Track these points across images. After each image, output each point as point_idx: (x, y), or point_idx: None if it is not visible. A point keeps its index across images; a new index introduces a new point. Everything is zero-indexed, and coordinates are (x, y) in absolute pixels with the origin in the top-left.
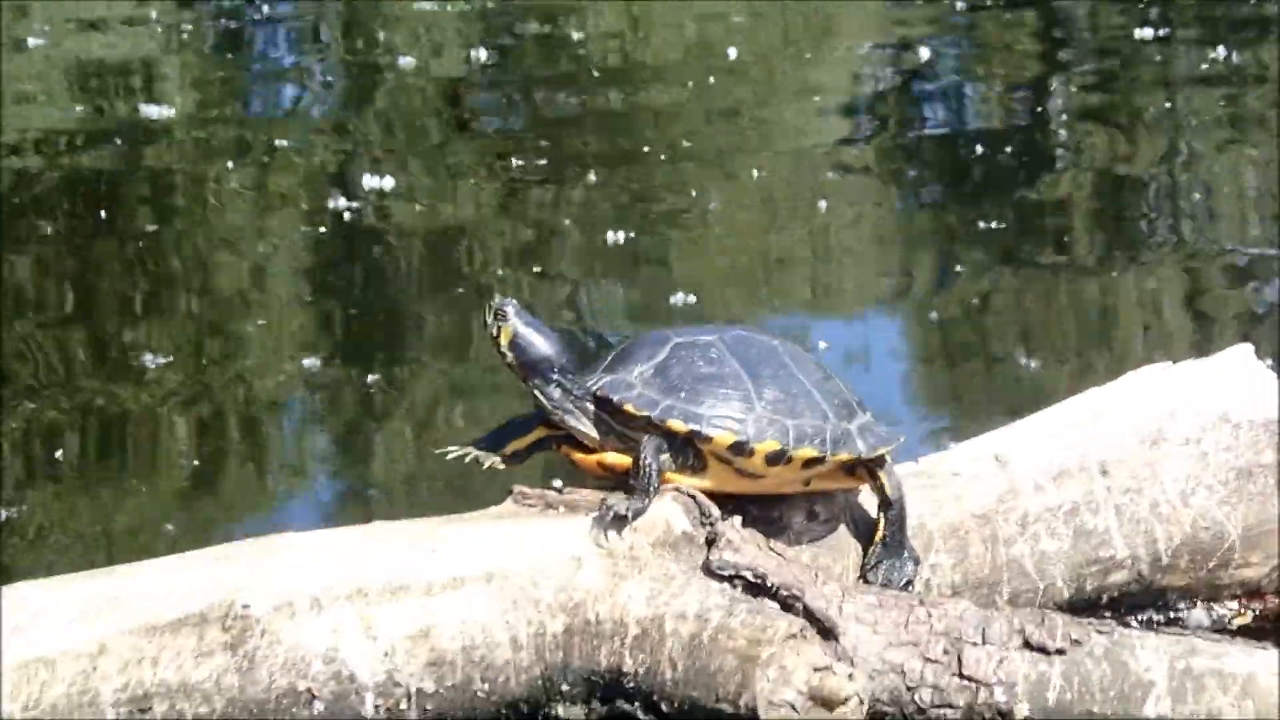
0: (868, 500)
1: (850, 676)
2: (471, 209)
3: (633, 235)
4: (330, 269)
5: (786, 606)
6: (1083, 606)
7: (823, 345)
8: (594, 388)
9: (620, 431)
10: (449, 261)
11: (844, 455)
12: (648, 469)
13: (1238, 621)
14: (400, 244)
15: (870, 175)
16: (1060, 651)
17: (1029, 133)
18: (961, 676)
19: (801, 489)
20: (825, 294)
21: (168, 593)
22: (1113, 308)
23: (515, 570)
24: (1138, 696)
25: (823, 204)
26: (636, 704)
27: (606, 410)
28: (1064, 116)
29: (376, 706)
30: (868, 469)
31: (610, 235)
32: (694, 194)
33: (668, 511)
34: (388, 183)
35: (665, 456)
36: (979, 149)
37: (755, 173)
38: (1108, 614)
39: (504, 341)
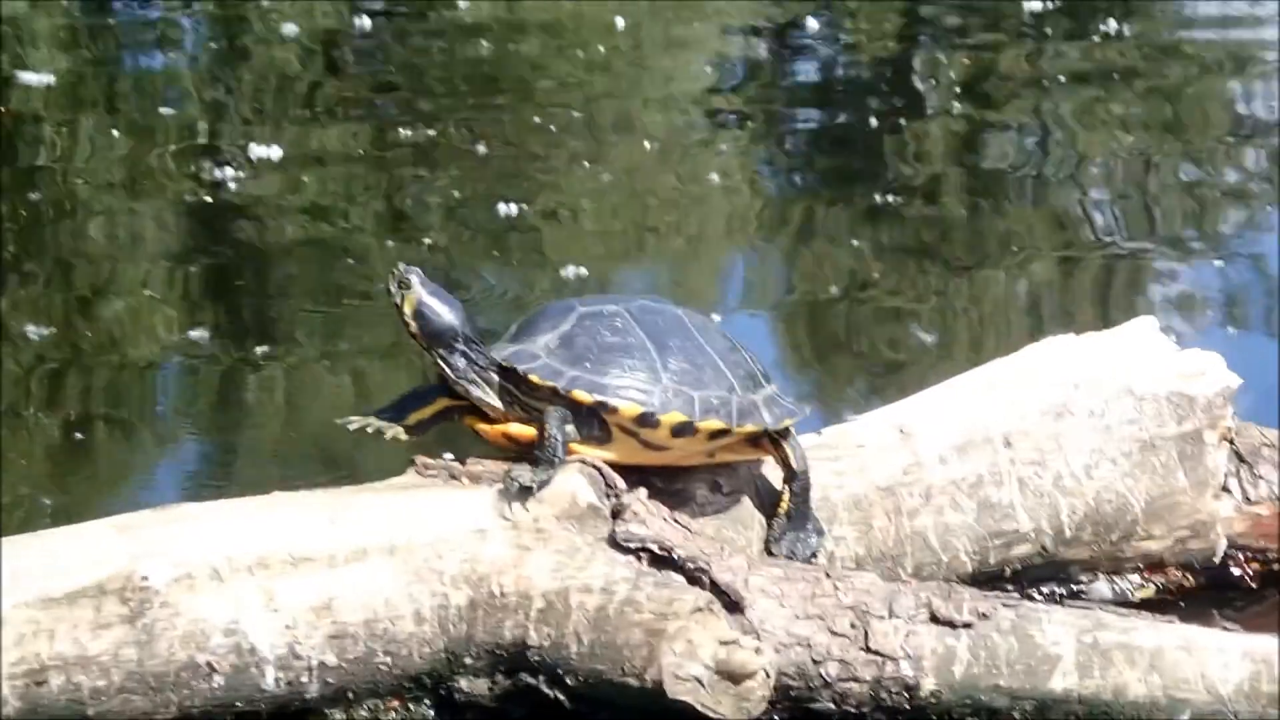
0: (771, 472)
1: (758, 650)
2: (354, 178)
3: (524, 207)
4: (211, 239)
5: (693, 580)
6: (986, 579)
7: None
8: (499, 358)
9: (525, 402)
10: (332, 234)
11: (750, 427)
12: (552, 440)
13: (1140, 594)
14: (282, 215)
15: (745, 148)
16: (967, 625)
17: (903, 105)
18: (868, 650)
19: (706, 461)
20: (703, 268)
21: (65, 564)
22: (981, 280)
23: (419, 542)
24: (1045, 670)
25: (714, 177)
26: (541, 678)
27: (511, 380)
28: (937, 88)
29: (277, 679)
30: (772, 440)
31: (502, 208)
32: (584, 165)
33: (573, 483)
34: (272, 152)
35: (570, 427)
36: (856, 122)
37: (645, 144)
38: (1010, 587)
39: (407, 310)
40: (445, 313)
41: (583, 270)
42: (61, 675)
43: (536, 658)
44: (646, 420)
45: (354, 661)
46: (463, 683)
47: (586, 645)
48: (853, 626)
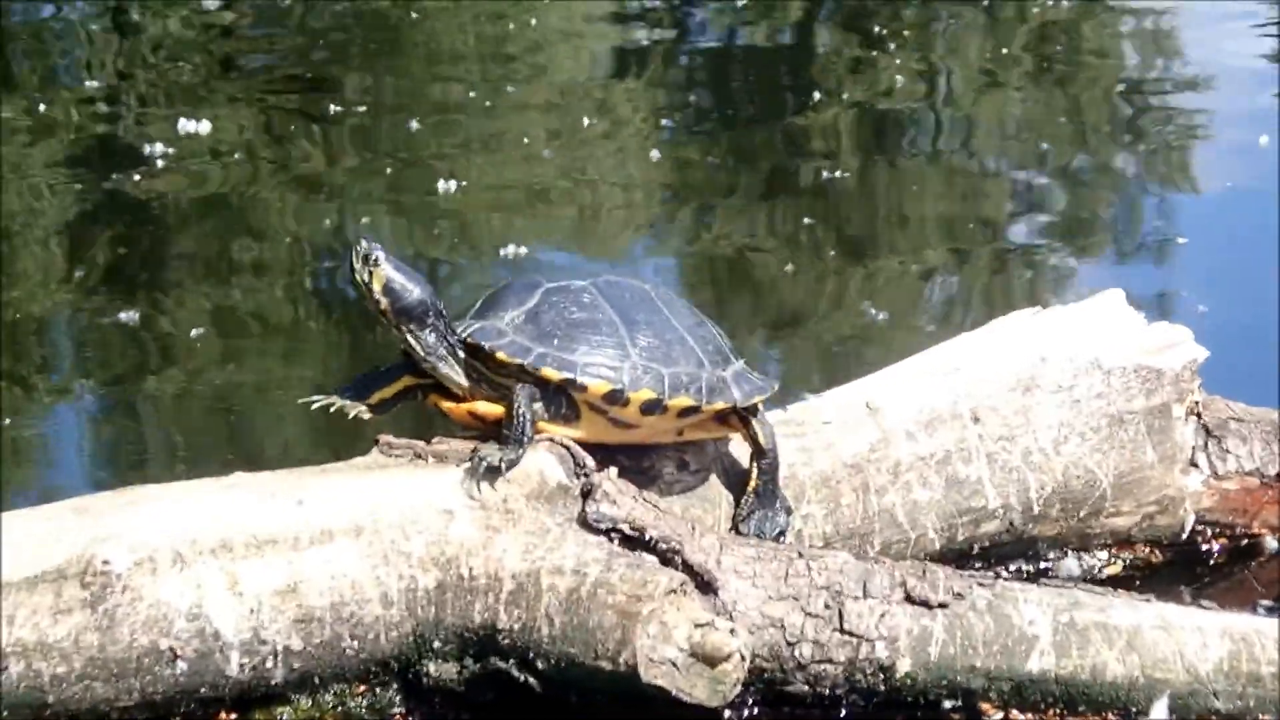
0: (737, 450)
1: (732, 632)
2: (269, 153)
3: (463, 184)
4: (125, 220)
5: (665, 560)
6: (954, 557)
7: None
8: (464, 334)
9: (491, 379)
10: (262, 212)
11: (719, 404)
12: (521, 418)
13: (1108, 571)
14: (209, 196)
15: (649, 112)
16: (943, 605)
17: (799, 66)
18: (843, 631)
19: (674, 438)
20: (599, 233)
21: (22, 547)
22: (872, 252)
23: (385, 523)
24: (1022, 650)
25: (655, 154)
26: (512, 661)
27: (477, 358)
28: (832, 50)
29: (241, 665)
30: (740, 417)
31: (442, 185)
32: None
33: (542, 462)
34: (202, 127)
35: (538, 405)
36: (752, 80)
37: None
38: (978, 564)
39: (376, 287)
40: (415, 288)
41: (521, 250)
42: (21, 662)
43: (507, 641)
44: (616, 397)
45: (320, 646)
46: (431, 667)
47: (558, 628)
48: (827, 607)
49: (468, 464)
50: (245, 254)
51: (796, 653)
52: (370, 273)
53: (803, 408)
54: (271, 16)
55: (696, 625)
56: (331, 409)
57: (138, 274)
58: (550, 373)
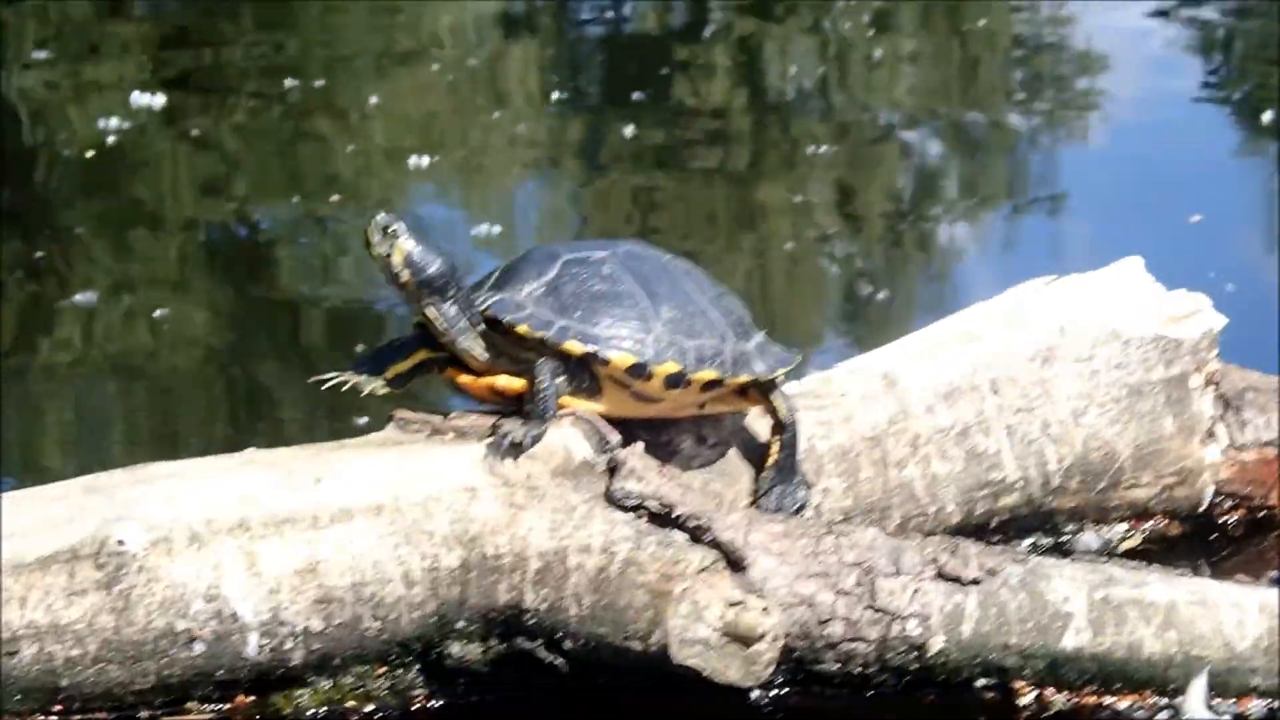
0: (753, 422)
1: (765, 611)
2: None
3: (436, 159)
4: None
5: (694, 537)
6: (971, 531)
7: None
8: (483, 307)
9: (511, 353)
10: (239, 186)
11: (744, 377)
12: (544, 393)
13: (1126, 544)
14: (164, 166)
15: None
16: (975, 582)
17: (688, 42)
18: (875, 609)
19: (695, 412)
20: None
21: (34, 527)
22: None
23: (406, 501)
24: (1057, 628)
25: (545, 121)
26: (538, 642)
27: (496, 331)
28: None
29: (260, 647)
30: (761, 390)
31: (413, 160)
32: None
33: (566, 438)
34: (157, 100)
35: (561, 380)
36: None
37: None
38: (996, 538)
39: (398, 260)
40: (436, 258)
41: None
42: (34, 644)
43: (533, 621)
44: (639, 371)
45: (340, 627)
46: (454, 648)
47: (587, 608)
48: (858, 584)
49: (489, 440)
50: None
51: (827, 631)
52: (391, 245)
53: (819, 379)
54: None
55: (729, 604)
56: (345, 387)
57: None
58: (573, 346)
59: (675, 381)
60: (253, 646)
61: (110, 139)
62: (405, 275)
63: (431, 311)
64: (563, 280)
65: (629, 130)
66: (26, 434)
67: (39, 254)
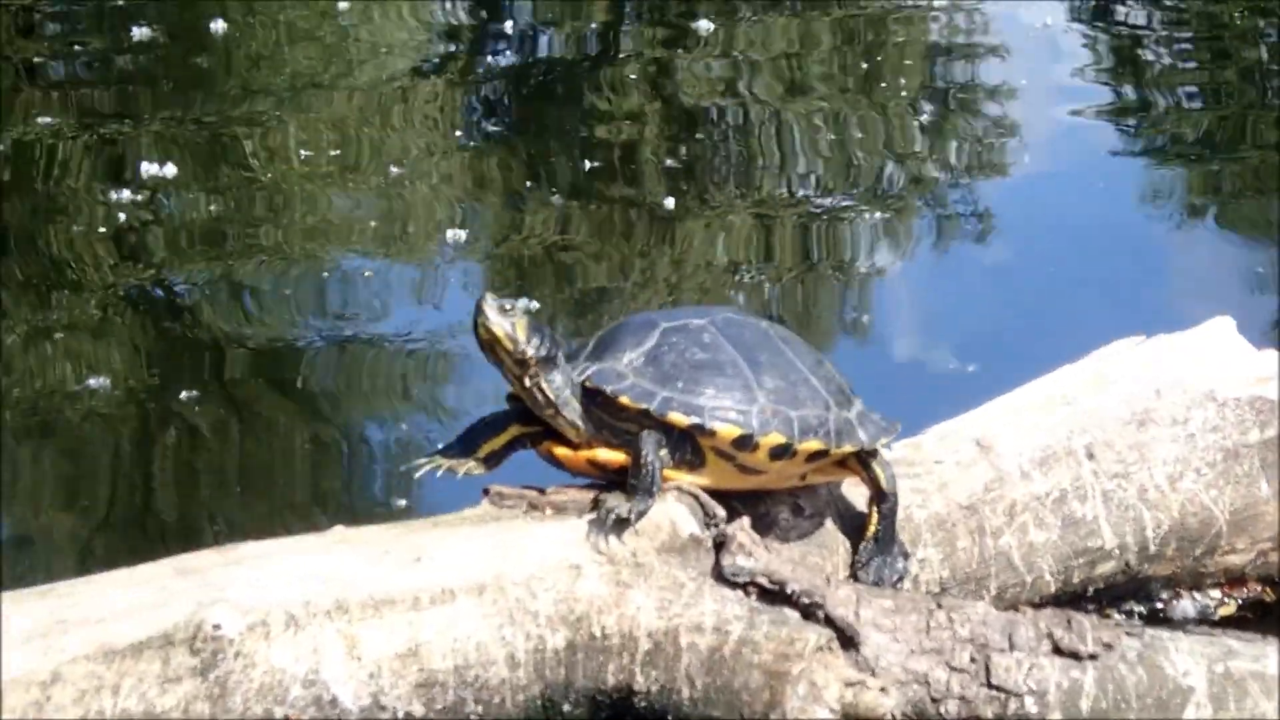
0: (848, 490)
1: (883, 690)
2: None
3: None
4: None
5: (806, 615)
6: (1067, 600)
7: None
8: (582, 378)
9: (611, 425)
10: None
11: (848, 447)
12: (649, 466)
13: (1222, 611)
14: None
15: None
16: (1093, 657)
17: (601, 67)
18: (990, 686)
19: (796, 483)
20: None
21: (125, 611)
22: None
23: (509, 580)
24: (1177, 703)
25: (459, 158)
26: None
27: (596, 402)
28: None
29: None
30: (859, 460)
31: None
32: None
33: (672, 513)
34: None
35: (664, 452)
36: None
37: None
38: (1091, 606)
39: (522, 337)
40: (547, 330)
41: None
42: None
43: (644, 704)
44: (745, 443)
45: (443, 711)
46: None
47: (700, 689)
48: (972, 661)
49: (591, 516)
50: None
51: (942, 710)
52: (513, 323)
53: (910, 445)
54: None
55: (847, 685)
56: (439, 473)
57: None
58: (677, 418)
59: (780, 453)
60: None
61: None
62: (529, 352)
63: (545, 385)
64: (662, 349)
65: (543, 160)
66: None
67: None
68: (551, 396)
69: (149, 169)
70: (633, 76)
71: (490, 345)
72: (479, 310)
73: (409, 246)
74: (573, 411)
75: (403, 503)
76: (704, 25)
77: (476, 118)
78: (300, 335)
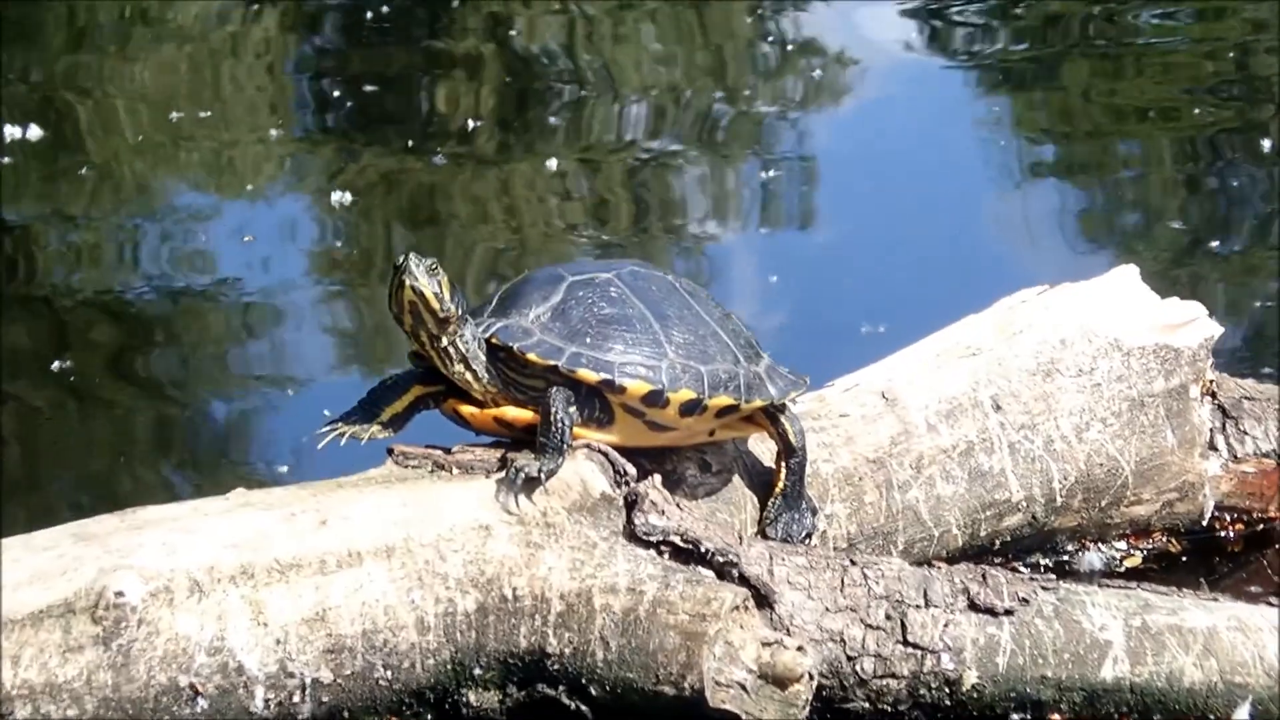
0: (755, 446)
1: (801, 649)
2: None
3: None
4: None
5: (721, 574)
6: (974, 554)
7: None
8: (488, 334)
9: (518, 382)
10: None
11: (758, 402)
12: (559, 424)
13: (1128, 563)
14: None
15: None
16: (1009, 612)
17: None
18: (906, 644)
19: (705, 439)
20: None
21: (24, 580)
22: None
23: (417, 542)
24: (1094, 658)
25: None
26: (561, 688)
27: (500, 359)
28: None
29: (267, 701)
30: (768, 414)
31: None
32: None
33: (583, 471)
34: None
35: (574, 409)
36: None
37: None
38: (998, 560)
39: (446, 294)
40: (458, 286)
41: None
42: (28, 705)
43: (556, 666)
44: (655, 399)
45: (351, 677)
46: (470, 696)
47: (615, 651)
48: (888, 618)
49: (500, 475)
50: None
51: (858, 668)
52: (439, 282)
53: (815, 399)
54: None
55: (764, 644)
56: (343, 440)
57: None
58: (586, 374)
59: (691, 408)
60: (259, 700)
61: None
62: (449, 306)
63: (459, 343)
64: (569, 304)
65: (372, 98)
66: None
67: None
68: (466, 354)
69: None
70: (468, 25)
71: (413, 306)
72: (404, 270)
73: (240, 181)
74: (482, 368)
75: (283, 469)
76: None
77: (310, 59)
78: (136, 289)
